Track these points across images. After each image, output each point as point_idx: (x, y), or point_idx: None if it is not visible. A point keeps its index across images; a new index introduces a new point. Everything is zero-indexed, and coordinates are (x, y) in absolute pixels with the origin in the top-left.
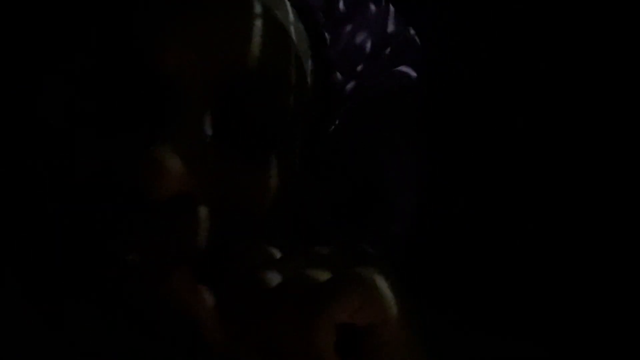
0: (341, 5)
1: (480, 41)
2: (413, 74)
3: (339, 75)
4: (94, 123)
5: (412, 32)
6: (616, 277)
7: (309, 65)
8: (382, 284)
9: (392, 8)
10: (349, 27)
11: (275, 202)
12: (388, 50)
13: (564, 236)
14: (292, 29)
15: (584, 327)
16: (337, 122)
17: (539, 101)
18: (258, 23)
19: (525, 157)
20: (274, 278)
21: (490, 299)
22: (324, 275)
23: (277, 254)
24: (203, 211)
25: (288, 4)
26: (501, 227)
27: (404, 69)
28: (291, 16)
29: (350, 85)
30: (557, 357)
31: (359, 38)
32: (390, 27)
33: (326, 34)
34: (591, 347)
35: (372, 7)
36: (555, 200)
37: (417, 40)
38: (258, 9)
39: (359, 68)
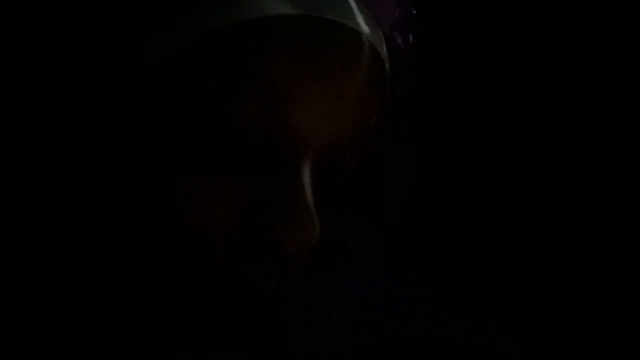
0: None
1: (479, 38)
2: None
3: None
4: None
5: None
6: (611, 255)
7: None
8: None
9: None
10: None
11: None
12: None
13: (561, 229)
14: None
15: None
16: None
17: (535, 98)
18: (383, 83)
19: (523, 148)
20: None
21: (486, 277)
22: None
23: None
24: None
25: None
26: (496, 213)
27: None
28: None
29: None
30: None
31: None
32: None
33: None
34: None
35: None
36: (552, 190)
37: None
38: (383, 66)
39: None
